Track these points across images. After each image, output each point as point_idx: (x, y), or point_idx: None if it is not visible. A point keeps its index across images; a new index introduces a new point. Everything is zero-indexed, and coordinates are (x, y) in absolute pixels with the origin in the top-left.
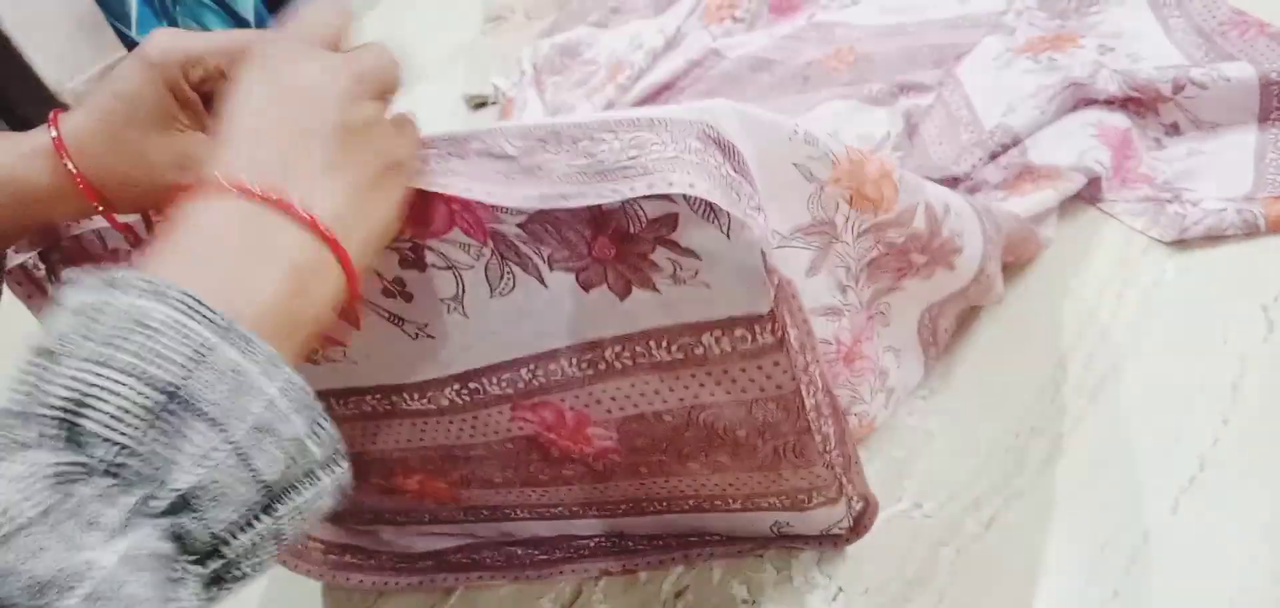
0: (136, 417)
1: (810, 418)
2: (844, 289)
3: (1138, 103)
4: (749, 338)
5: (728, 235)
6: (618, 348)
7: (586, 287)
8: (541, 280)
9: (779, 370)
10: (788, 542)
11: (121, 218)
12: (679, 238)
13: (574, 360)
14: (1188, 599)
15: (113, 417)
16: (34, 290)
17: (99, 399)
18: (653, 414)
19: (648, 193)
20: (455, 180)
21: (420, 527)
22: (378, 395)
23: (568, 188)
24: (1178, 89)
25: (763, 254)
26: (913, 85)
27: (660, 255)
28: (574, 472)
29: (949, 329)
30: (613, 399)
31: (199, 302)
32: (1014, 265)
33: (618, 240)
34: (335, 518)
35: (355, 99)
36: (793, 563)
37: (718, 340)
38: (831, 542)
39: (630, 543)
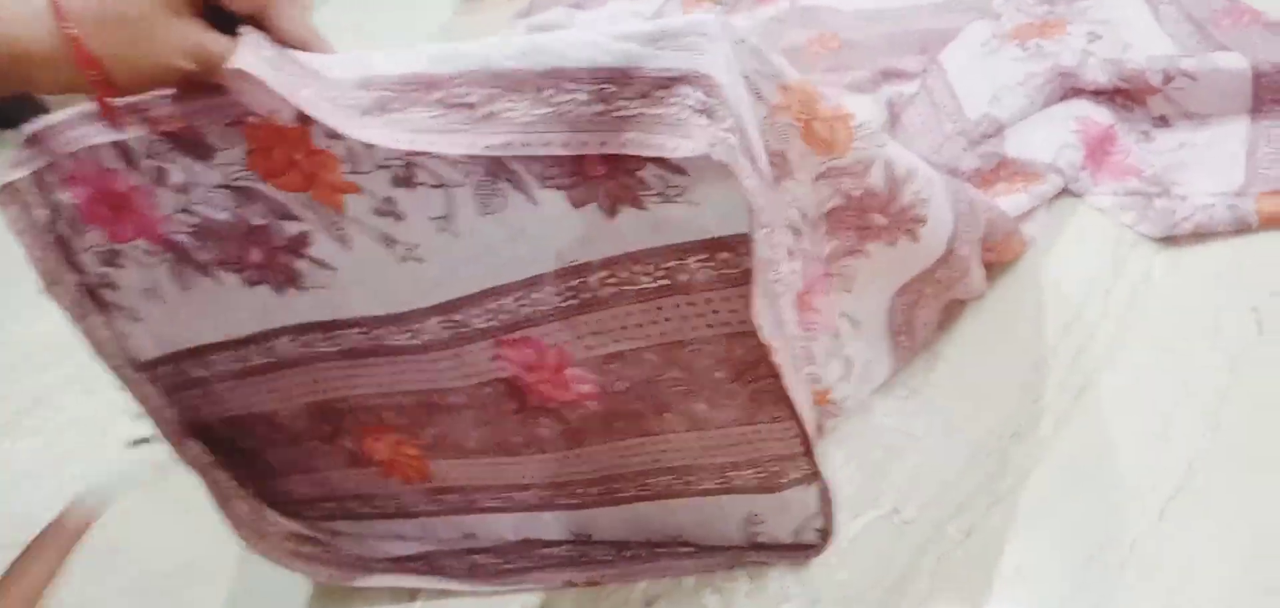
0: None
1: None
2: (796, 232)
3: (1126, 94)
4: (732, 260)
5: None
6: (603, 273)
7: (577, 204)
8: (531, 198)
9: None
10: (760, 553)
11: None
12: (669, 155)
13: (559, 288)
14: None
15: None
16: (22, 214)
17: None
18: (633, 352)
19: (601, 151)
20: (405, 135)
21: (381, 522)
22: (362, 328)
23: (529, 136)
24: (1168, 80)
25: (738, 175)
26: (896, 72)
27: (650, 173)
28: (548, 431)
29: (929, 324)
30: (594, 334)
31: None
32: (997, 263)
33: (609, 159)
34: (293, 509)
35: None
36: (767, 571)
37: (703, 264)
38: (802, 552)
39: (596, 554)
